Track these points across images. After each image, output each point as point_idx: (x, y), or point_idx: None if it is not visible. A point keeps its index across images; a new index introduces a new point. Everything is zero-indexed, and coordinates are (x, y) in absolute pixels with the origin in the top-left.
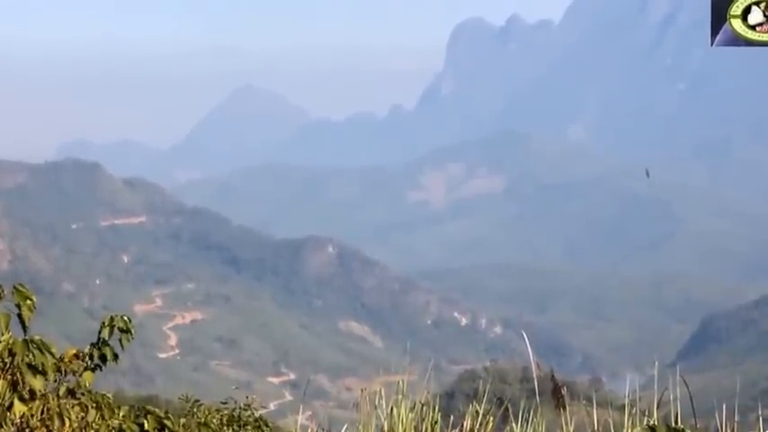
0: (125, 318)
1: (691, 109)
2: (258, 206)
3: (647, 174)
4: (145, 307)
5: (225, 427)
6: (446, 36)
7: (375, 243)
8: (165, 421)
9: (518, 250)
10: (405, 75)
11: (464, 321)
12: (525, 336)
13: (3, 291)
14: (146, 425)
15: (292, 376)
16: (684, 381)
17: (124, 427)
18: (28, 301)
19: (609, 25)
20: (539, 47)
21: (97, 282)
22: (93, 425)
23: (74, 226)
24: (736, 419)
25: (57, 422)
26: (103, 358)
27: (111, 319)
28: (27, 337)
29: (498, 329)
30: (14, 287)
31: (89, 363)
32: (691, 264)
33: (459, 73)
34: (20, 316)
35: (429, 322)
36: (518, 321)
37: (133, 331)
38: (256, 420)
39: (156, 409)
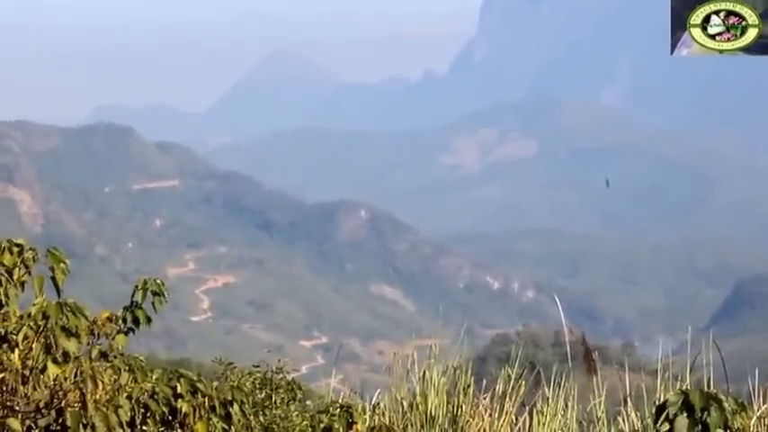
0: (158, 281)
1: (724, 73)
2: (290, 170)
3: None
4: (177, 270)
5: (257, 390)
6: (479, 0)
7: (407, 207)
8: (198, 384)
9: (550, 214)
10: (437, 39)
11: (496, 285)
12: (557, 300)
13: (37, 254)
14: (178, 388)
15: (324, 340)
16: (717, 345)
17: (157, 389)
18: (61, 265)
19: None
20: (571, 11)
21: (130, 245)
22: (126, 387)
23: (107, 189)
24: None
25: (90, 384)
26: (136, 321)
27: (145, 282)
28: (61, 300)
29: (530, 294)
30: (48, 250)
31: (122, 326)
32: (723, 228)
33: (492, 37)
34: (53, 279)
35: (461, 286)
36: (550, 286)
37: (166, 294)
38: (289, 383)
39: (189, 372)
